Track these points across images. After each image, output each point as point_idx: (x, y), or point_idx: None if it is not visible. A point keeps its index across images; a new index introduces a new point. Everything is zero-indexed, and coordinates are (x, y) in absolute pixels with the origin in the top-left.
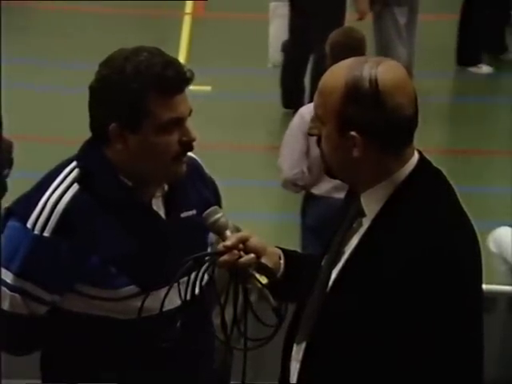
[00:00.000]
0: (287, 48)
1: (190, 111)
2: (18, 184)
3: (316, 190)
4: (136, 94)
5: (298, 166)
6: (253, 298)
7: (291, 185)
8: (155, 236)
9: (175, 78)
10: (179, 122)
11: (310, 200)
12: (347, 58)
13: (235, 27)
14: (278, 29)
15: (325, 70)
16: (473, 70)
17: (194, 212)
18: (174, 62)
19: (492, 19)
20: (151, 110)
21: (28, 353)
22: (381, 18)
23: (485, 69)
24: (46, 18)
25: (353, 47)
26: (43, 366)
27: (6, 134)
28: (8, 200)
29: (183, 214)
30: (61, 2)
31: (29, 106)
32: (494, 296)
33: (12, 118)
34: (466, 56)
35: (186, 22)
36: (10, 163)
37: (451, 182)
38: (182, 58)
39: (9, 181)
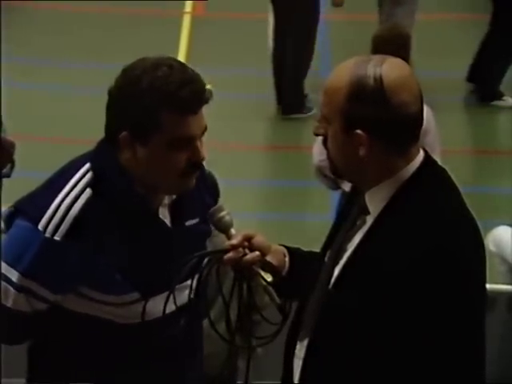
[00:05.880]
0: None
1: (205, 129)
2: (19, 184)
3: (347, 187)
4: (148, 109)
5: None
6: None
7: (319, 172)
8: (161, 244)
9: (189, 99)
10: (189, 141)
11: (341, 198)
12: (391, 54)
13: (235, 27)
14: None
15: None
16: (499, 103)
17: (197, 220)
18: (192, 81)
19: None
20: (161, 126)
21: (22, 343)
22: (392, 17)
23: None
24: (46, 17)
25: (397, 44)
26: (32, 359)
27: (6, 135)
28: (8, 200)
29: (188, 223)
30: (60, 2)
31: (29, 106)
32: (494, 296)
33: (12, 117)
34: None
35: (186, 21)
36: (11, 162)
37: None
38: (181, 58)
39: (9, 181)
